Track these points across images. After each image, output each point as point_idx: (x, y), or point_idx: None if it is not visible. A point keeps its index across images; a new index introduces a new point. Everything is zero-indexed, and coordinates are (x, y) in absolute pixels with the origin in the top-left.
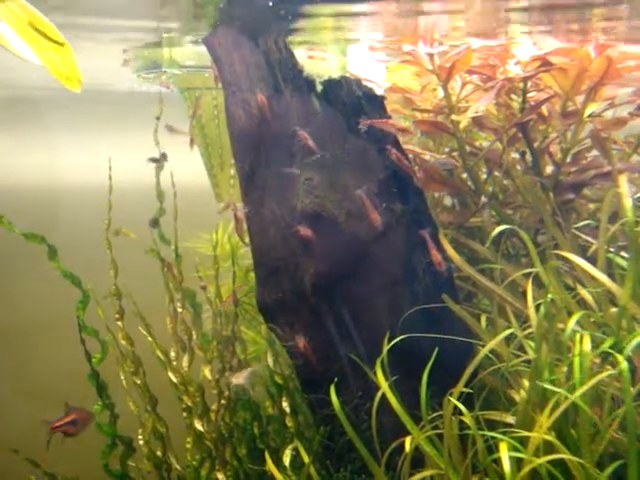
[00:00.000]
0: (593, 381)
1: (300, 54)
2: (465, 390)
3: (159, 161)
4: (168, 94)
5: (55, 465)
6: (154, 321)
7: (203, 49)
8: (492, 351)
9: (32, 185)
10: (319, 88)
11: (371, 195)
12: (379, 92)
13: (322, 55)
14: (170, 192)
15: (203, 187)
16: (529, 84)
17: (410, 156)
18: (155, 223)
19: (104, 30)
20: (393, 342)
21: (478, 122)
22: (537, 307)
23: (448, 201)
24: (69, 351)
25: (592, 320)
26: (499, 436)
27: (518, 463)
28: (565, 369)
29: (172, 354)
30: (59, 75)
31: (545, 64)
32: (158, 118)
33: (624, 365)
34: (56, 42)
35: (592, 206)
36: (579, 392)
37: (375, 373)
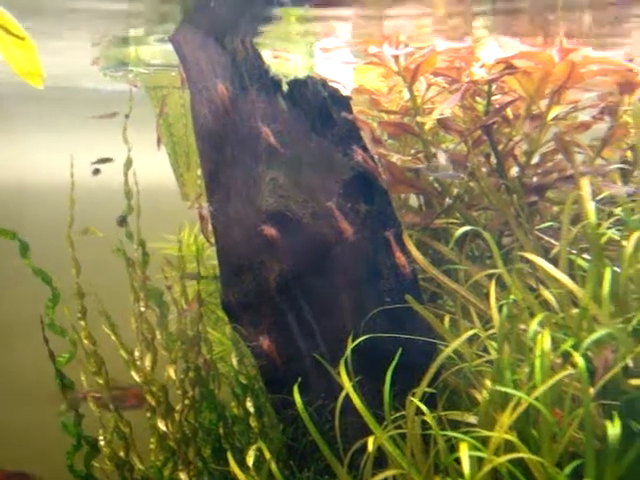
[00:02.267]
0: (552, 382)
1: (266, 54)
2: (428, 390)
3: (97, 172)
4: (134, 93)
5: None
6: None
7: (170, 48)
8: (455, 351)
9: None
10: (285, 88)
11: (340, 204)
12: (345, 93)
13: (286, 55)
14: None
15: (171, 187)
16: (494, 87)
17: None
18: (122, 221)
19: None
20: (356, 342)
21: (443, 124)
22: (500, 308)
23: (414, 202)
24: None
25: (554, 321)
26: (460, 436)
27: (480, 463)
28: (527, 369)
29: (136, 354)
30: (21, 71)
31: (509, 67)
32: (127, 116)
33: (582, 364)
34: (17, 36)
35: (556, 208)
36: (537, 392)
37: (339, 373)
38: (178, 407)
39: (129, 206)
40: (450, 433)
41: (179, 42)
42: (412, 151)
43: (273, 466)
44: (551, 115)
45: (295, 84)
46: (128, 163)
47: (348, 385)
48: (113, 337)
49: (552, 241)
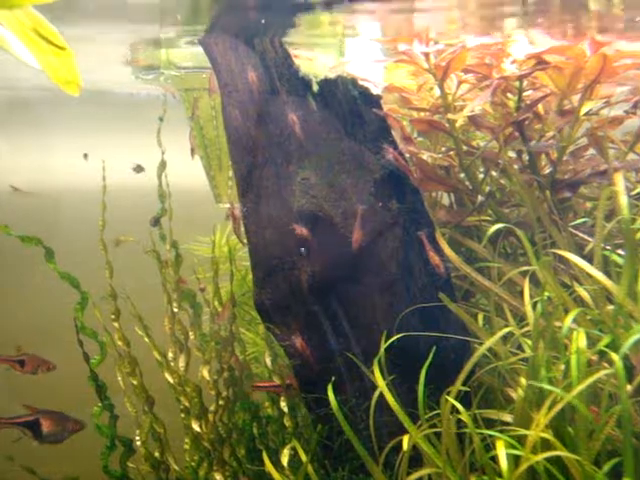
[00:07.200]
0: (589, 379)
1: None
2: (462, 389)
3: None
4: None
5: (54, 467)
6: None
7: (200, 50)
8: (489, 349)
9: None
10: (315, 88)
11: (372, 203)
12: (375, 91)
13: (309, 55)
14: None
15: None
16: (525, 83)
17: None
18: (156, 222)
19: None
20: (390, 341)
21: (474, 121)
22: (534, 305)
23: (445, 200)
24: (69, 353)
25: (589, 318)
26: (496, 434)
27: (515, 461)
28: (562, 367)
29: (170, 355)
30: (58, 80)
31: (540, 62)
32: (161, 119)
33: (619, 363)
34: (57, 46)
35: (589, 204)
36: (576, 390)
37: (372, 372)
38: (212, 408)
39: (163, 208)
40: (486, 431)
41: (209, 44)
42: (443, 149)
43: (310, 469)
44: (583, 110)
45: (325, 84)
46: (162, 165)
47: (382, 384)
48: (146, 339)
49: (586, 237)
